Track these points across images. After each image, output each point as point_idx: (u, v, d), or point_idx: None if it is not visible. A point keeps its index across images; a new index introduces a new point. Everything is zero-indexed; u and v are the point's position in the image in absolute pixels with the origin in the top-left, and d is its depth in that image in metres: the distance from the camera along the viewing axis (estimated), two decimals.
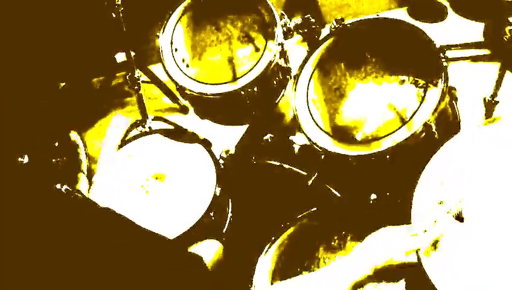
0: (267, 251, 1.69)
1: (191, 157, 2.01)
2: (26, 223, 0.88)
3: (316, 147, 1.74)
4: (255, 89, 1.98)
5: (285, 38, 2.03)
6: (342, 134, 1.75)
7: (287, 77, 2.12)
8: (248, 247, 1.74)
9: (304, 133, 1.78)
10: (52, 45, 2.86)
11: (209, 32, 2.15)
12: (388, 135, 1.66)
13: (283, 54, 2.05)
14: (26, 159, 1.99)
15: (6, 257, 0.85)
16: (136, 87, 2.50)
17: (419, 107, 1.64)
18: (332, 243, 1.67)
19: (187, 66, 2.12)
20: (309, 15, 2.02)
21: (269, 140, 2.22)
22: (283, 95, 2.15)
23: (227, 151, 2.20)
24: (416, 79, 1.69)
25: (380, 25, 1.82)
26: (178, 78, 2.08)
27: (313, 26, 1.99)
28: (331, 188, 1.99)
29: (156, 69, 3.07)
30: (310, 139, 1.76)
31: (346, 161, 1.70)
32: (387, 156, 1.63)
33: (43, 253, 0.86)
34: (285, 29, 2.02)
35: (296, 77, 1.89)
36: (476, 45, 2.76)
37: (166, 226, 1.81)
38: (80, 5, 2.85)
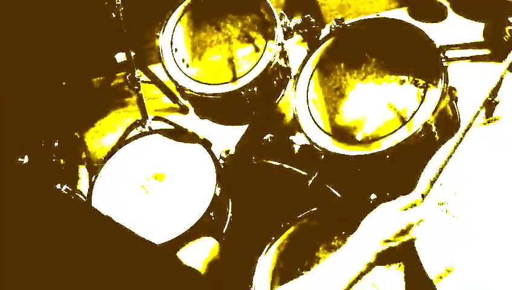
0: (267, 251, 1.69)
1: (191, 157, 2.01)
2: (26, 223, 0.88)
3: (316, 147, 1.74)
4: (255, 89, 1.98)
5: (285, 38, 2.03)
6: (342, 134, 1.75)
7: (287, 77, 2.12)
8: (248, 247, 1.74)
9: (303, 133, 1.78)
10: (52, 45, 2.86)
11: (209, 32, 2.15)
12: (388, 135, 1.66)
13: (283, 54, 2.04)
14: (26, 159, 1.99)
15: (6, 256, 0.85)
16: (136, 87, 2.50)
17: (419, 107, 1.64)
18: (332, 243, 1.67)
19: (187, 66, 2.12)
20: (309, 15, 2.02)
21: (269, 140, 2.22)
22: (283, 95, 2.15)
23: (227, 151, 2.20)
24: (416, 79, 1.69)
25: (380, 25, 1.82)
26: (178, 78, 2.08)
27: (313, 26, 1.99)
28: (331, 188, 1.99)
29: (156, 69, 3.07)
30: (310, 139, 1.76)
31: (346, 161, 1.70)
32: (387, 156, 1.63)
33: (43, 253, 0.86)
34: (285, 29, 2.02)
35: (296, 77, 1.89)
36: (476, 45, 2.76)
37: (166, 226, 1.81)
38: (80, 5, 2.85)
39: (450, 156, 1.19)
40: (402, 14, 3.01)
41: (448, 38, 2.71)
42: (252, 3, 2.09)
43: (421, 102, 1.64)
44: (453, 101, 1.76)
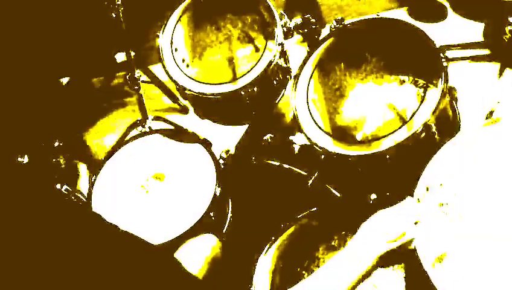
0: (267, 251, 1.68)
1: (191, 157, 2.01)
2: (25, 223, 0.88)
3: (316, 147, 1.74)
4: (255, 89, 1.98)
5: (285, 38, 2.03)
6: (342, 134, 1.75)
7: (287, 77, 2.12)
8: (248, 247, 1.74)
9: (304, 133, 1.78)
10: (53, 45, 2.86)
11: (209, 32, 2.15)
12: (388, 135, 1.66)
13: (283, 54, 2.04)
14: (26, 159, 1.99)
15: (5, 256, 0.85)
16: (136, 87, 2.50)
17: (419, 107, 1.64)
18: (332, 243, 1.67)
19: (187, 66, 2.12)
20: (309, 15, 2.02)
21: (269, 140, 2.22)
22: (283, 95, 2.15)
23: (227, 151, 2.20)
24: (416, 79, 1.69)
25: (380, 25, 1.82)
26: (178, 78, 2.08)
27: (313, 26, 1.99)
28: (331, 188, 1.99)
29: (156, 69, 3.07)
30: (310, 139, 1.76)
31: (346, 161, 1.70)
32: (387, 156, 1.63)
33: (42, 253, 0.86)
34: (285, 29, 2.02)
35: (296, 77, 1.88)
36: (476, 45, 2.75)
37: (166, 226, 1.81)
38: (80, 5, 2.85)
39: None
40: (402, 14, 3.00)
41: (448, 38, 2.71)
42: (252, 3, 2.09)
43: (421, 102, 1.64)
44: (453, 101, 1.76)
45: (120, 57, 3.15)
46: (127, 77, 2.49)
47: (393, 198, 1.31)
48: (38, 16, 2.73)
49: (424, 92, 1.65)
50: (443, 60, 1.63)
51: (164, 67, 2.11)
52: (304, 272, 1.63)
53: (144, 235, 0.99)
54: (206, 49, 2.13)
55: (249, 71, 2.00)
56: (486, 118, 2.05)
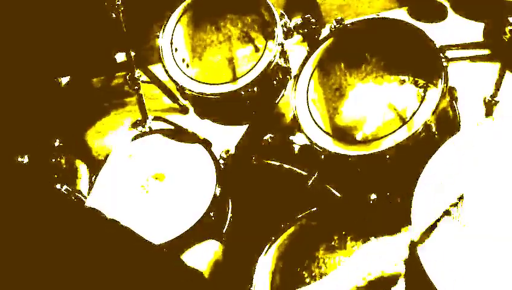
0: (267, 251, 1.68)
1: (191, 157, 2.01)
2: (25, 223, 0.88)
3: (316, 147, 1.74)
4: (255, 89, 1.98)
5: (285, 38, 2.03)
6: (342, 134, 1.75)
7: (287, 77, 2.12)
8: (248, 247, 1.74)
9: (304, 133, 1.78)
10: (52, 45, 2.86)
11: (209, 32, 2.15)
12: (388, 135, 1.66)
13: (283, 54, 2.04)
14: (26, 159, 1.99)
15: (5, 256, 0.85)
16: (136, 87, 2.50)
17: (419, 107, 1.64)
18: (332, 243, 1.67)
19: (187, 66, 2.12)
20: (309, 15, 2.02)
21: (269, 140, 2.22)
22: (283, 95, 2.15)
23: (227, 151, 2.20)
24: (416, 79, 1.69)
25: (380, 25, 1.82)
26: (178, 78, 2.08)
27: (313, 26, 1.99)
28: (331, 188, 1.99)
29: (156, 69, 3.07)
30: (310, 139, 1.76)
31: (346, 161, 1.70)
32: (387, 156, 1.63)
33: (42, 253, 0.86)
34: (285, 29, 2.02)
35: (296, 77, 1.88)
36: (476, 45, 2.76)
37: (166, 226, 1.81)
38: (80, 5, 2.85)
39: None
40: (402, 14, 3.01)
41: (448, 38, 2.71)
42: (252, 3, 2.09)
43: (421, 102, 1.64)
44: (453, 101, 1.76)
45: (120, 57, 3.15)
46: (127, 77, 2.50)
47: (393, 198, 1.31)
48: (38, 16, 2.73)
49: (424, 92, 1.65)
50: (443, 60, 1.63)
51: (164, 67, 2.11)
52: (304, 272, 1.62)
53: (144, 235, 0.99)
54: (206, 49, 2.13)
55: (249, 71, 2.00)
56: (486, 118, 2.05)
